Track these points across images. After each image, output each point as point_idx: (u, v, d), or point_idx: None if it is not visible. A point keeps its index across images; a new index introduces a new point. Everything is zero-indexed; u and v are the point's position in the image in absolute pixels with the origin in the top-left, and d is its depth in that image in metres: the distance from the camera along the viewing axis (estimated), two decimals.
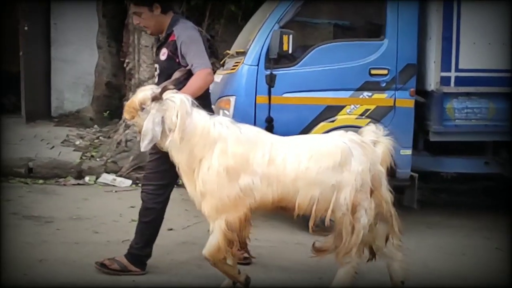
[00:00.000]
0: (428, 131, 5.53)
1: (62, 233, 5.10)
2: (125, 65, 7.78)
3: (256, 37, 5.22)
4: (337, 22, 5.85)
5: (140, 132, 3.77)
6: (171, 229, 5.18)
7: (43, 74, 9.35)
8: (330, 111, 5.21)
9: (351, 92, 5.24)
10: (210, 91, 5.86)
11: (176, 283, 4.13)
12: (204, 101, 4.07)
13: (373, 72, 5.24)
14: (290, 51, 5.07)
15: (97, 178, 6.94)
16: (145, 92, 3.69)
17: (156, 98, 3.61)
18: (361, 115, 5.24)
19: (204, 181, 3.59)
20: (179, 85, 3.94)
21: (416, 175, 5.39)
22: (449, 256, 5.00)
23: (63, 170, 7.05)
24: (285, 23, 5.17)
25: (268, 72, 5.14)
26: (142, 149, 3.64)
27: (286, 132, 5.09)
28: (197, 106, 3.71)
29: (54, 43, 9.47)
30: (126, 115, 3.77)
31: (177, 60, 4.09)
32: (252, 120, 5.16)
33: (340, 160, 3.60)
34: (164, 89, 3.64)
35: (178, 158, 3.66)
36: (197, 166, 3.62)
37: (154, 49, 7.48)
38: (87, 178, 6.94)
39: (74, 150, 7.57)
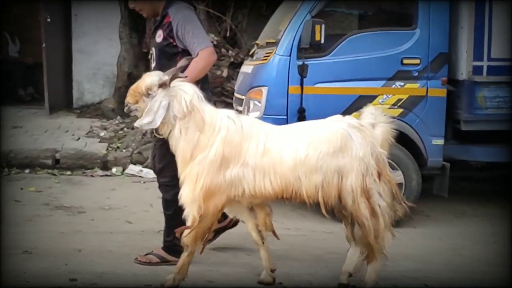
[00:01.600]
0: (457, 119, 5.52)
1: (95, 223, 5.14)
2: (149, 56, 7.75)
3: (288, 28, 5.20)
4: (367, 12, 5.83)
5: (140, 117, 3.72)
6: None
7: (64, 65, 9.38)
8: (362, 101, 5.11)
9: (384, 81, 5.23)
10: (239, 81, 5.95)
11: (215, 272, 4.15)
12: (203, 84, 4.06)
13: (405, 61, 5.22)
14: (322, 41, 5.06)
15: (123, 169, 6.97)
16: (152, 77, 3.64)
17: (164, 85, 3.57)
18: (394, 105, 5.23)
19: (193, 167, 3.58)
20: (174, 66, 3.83)
21: (448, 164, 5.38)
22: (482, 244, 5.00)
23: (89, 161, 7.08)
24: (317, 13, 5.15)
25: (300, 62, 5.13)
26: (136, 124, 3.60)
27: None
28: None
29: (74, 35, 9.48)
30: (129, 99, 3.68)
31: (174, 43, 4.05)
32: (284, 111, 5.18)
33: (340, 145, 3.57)
34: (174, 77, 3.60)
35: (183, 147, 3.63)
36: (197, 154, 3.59)
37: None
38: (114, 169, 6.97)
39: (99, 142, 7.60)
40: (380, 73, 5.22)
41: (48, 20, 8.59)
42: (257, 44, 5.84)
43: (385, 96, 5.23)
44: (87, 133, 7.99)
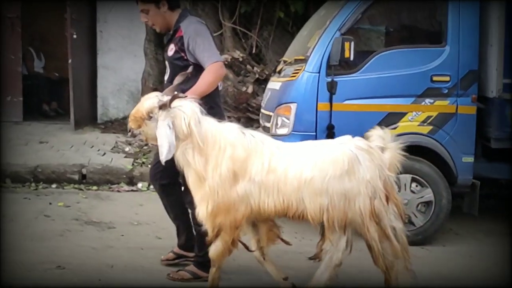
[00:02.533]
0: (487, 137, 5.49)
1: (126, 238, 5.17)
2: None
3: (317, 45, 5.22)
4: (395, 29, 5.84)
5: (146, 140, 3.79)
6: None
7: (89, 81, 9.47)
8: (392, 118, 5.20)
9: (413, 98, 5.22)
10: (266, 97, 5.97)
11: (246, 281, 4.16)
12: (215, 98, 4.09)
13: (435, 78, 5.22)
14: (351, 58, 5.08)
15: (149, 185, 7.00)
16: (151, 100, 3.64)
17: (164, 106, 3.57)
18: (423, 122, 5.22)
19: (209, 184, 3.58)
20: (190, 82, 3.92)
21: (478, 182, 5.35)
22: None
23: (115, 176, 7.13)
24: (346, 30, 5.18)
25: (329, 79, 5.14)
26: (163, 160, 3.56)
27: None
28: (205, 113, 3.69)
29: (99, 51, 9.59)
30: (132, 124, 3.69)
31: (185, 56, 4.07)
32: (313, 127, 5.19)
33: (347, 168, 3.54)
34: (174, 97, 3.59)
35: (194, 166, 3.62)
36: (210, 173, 3.60)
37: None
38: (140, 185, 7.00)
39: (125, 157, 7.65)
40: (409, 90, 5.22)
41: (75, 36, 8.69)
42: (284, 61, 5.87)
43: (414, 113, 5.23)
44: (112, 148, 8.05)
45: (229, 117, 7.55)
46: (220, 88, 4.33)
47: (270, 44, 7.57)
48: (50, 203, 6.18)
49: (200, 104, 3.69)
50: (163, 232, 5.32)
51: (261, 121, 6.06)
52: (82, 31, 8.96)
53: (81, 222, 5.54)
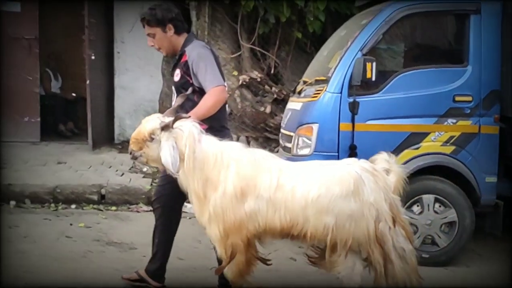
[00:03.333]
0: (509, 157, 5.47)
1: (147, 259, 5.10)
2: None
3: (339, 65, 5.23)
4: (417, 48, 5.85)
5: (147, 163, 3.79)
6: None
7: (106, 101, 9.53)
8: (414, 138, 5.19)
9: (435, 118, 5.21)
10: (286, 117, 5.97)
11: None
12: (221, 121, 4.12)
13: (457, 98, 5.21)
14: (373, 79, 5.08)
15: None
16: (153, 122, 3.67)
17: (166, 127, 3.60)
18: (446, 142, 5.20)
19: (216, 205, 3.58)
20: (190, 104, 3.95)
21: (501, 202, 5.32)
22: None
23: (133, 196, 7.14)
24: (368, 51, 5.19)
25: (351, 100, 5.14)
26: (175, 172, 3.58)
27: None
28: (206, 132, 3.73)
29: (116, 72, 9.67)
30: (133, 146, 3.71)
31: (190, 81, 4.09)
32: (335, 148, 5.18)
33: (353, 188, 3.55)
34: (177, 118, 3.60)
35: (193, 186, 3.64)
36: (212, 192, 3.60)
37: None
38: None
39: (143, 177, 7.66)
40: (432, 110, 5.22)
41: (93, 57, 8.76)
42: (304, 81, 5.88)
43: (437, 133, 5.21)
44: (130, 169, 8.06)
45: (247, 136, 7.60)
46: (227, 110, 4.34)
47: (287, 64, 7.59)
48: (71, 224, 6.18)
49: (206, 130, 3.76)
50: (184, 253, 5.31)
51: (281, 141, 6.06)
52: (99, 52, 9.03)
53: (102, 243, 5.54)
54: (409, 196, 5.19)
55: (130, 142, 3.74)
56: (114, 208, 6.97)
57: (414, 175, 5.14)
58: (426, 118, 5.22)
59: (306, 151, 5.29)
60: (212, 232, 3.65)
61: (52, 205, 7.02)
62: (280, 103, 7.61)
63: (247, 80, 7.43)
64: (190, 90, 4.04)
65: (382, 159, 3.86)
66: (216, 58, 4.19)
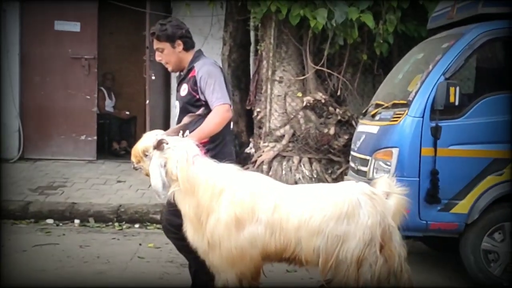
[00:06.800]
0: None
1: None
2: (255, 113, 7.87)
3: (420, 89, 5.14)
4: (499, 72, 5.74)
5: (147, 175, 3.74)
6: None
7: (163, 120, 9.58)
8: (498, 164, 5.06)
9: None
10: (359, 140, 5.90)
11: None
12: (225, 142, 4.09)
13: None
14: (456, 103, 5.00)
15: None
16: (148, 139, 3.67)
17: (157, 147, 3.58)
18: None
19: (212, 233, 3.51)
20: (198, 123, 3.94)
21: None
22: None
23: None
24: (451, 75, 5.11)
25: (433, 124, 5.05)
26: (162, 198, 3.59)
27: (451, 185, 5.06)
28: (207, 144, 3.77)
29: (173, 91, 9.72)
30: (133, 158, 3.76)
31: (197, 96, 4.09)
32: (416, 173, 5.08)
33: (347, 210, 3.47)
34: (159, 143, 3.56)
35: (185, 208, 3.59)
36: (204, 218, 3.53)
37: (286, 99, 7.60)
38: None
39: None
40: None
41: (153, 78, 8.83)
42: (378, 104, 5.81)
43: None
44: None
45: (309, 158, 7.54)
46: (231, 127, 4.33)
47: (353, 86, 7.53)
48: (140, 244, 6.18)
49: (208, 142, 3.83)
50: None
51: (352, 165, 5.98)
52: (158, 72, 9.09)
53: (176, 265, 5.50)
54: (491, 223, 5.10)
55: (131, 153, 3.79)
56: None
57: (497, 202, 5.05)
58: (510, 144, 5.08)
59: (385, 176, 5.16)
60: (214, 261, 3.58)
61: (116, 224, 7.04)
62: (344, 124, 7.55)
63: (311, 102, 7.39)
64: (201, 111, 4.04)
65: (382, 182, 3.80)
66: (225, 77, 4.21)
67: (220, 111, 3.97)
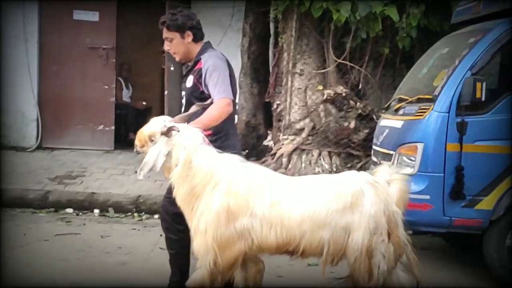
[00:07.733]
0: None
1: None
2: (274, 106, 7.86)
3: (446, 84, 5.11)
4: None
5: None
6: None
7: (180, 111, 9.55)
8: None
9: None
10: (382, 135, 5.86)
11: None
12: (228, 129, 4.08)
13: None
14: (483, 99, 4.96)
15: None
16: (155, 125, 3.66)
17: (165, 134, 3.56)
18: None
19: (200, 219, 3.52)
20: (200, 114, 3.91)
21: None
22: None
23: None
24: (477, 70, 5.06)
25: (459, 119, 5.02)
26: (140, 177, 3.57)
27: (476, 181, 5.03)
28: (211, 136, 3.75)
29: None
30: (137, 142, 3.75)
31: (201, 88, 4.08)
32: (441, 168, 5.05)
33: (351, 200, 3.47)
34: (169, 129, 3.55)
35: (179, 192, 3.60)
36: (195, 204, 3.55)
37: (307, 92, 7.58)
38: None
39: None
40: None
41: (172, 68, 8.83)
42: (401, 99, 5.77)
43: None
44: None
45: (329, 152, 7.52)
46: (235, 120, 4.31)
47: (375, 80, 7.49)
48: (161, 235, 6.16)
49: (211, 134, 3.81)
50: (282, 271, 5.23)
51: (375, 159, 5.96)
52: (175, 63, 9.08)
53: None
54: None
55: (136, 136, 3.77)
56: None
57: None
58: None
59: (408, 171, 5.16)
60: (196, 244, 3.60)
61: (135, 214, 7.06)
62: (364, 118, 7.52)
63: (332, 95, 7.36)
64: (209, 101, 4.01)
65: (383, 170, 3.78)
66: (231, 71, 4.19)
67: (220, 105, 3.93)
